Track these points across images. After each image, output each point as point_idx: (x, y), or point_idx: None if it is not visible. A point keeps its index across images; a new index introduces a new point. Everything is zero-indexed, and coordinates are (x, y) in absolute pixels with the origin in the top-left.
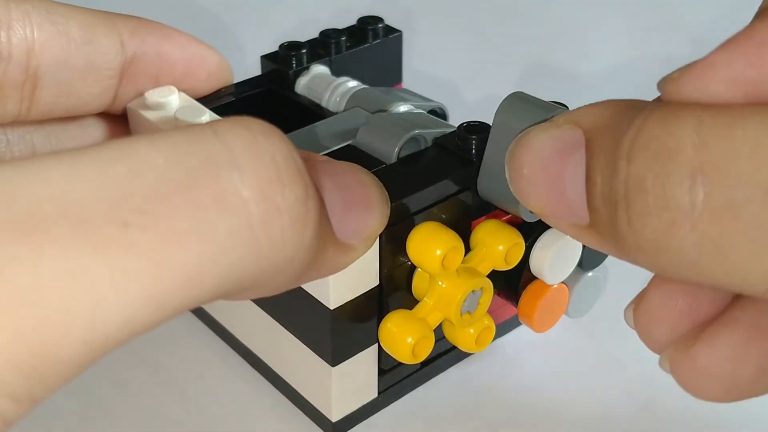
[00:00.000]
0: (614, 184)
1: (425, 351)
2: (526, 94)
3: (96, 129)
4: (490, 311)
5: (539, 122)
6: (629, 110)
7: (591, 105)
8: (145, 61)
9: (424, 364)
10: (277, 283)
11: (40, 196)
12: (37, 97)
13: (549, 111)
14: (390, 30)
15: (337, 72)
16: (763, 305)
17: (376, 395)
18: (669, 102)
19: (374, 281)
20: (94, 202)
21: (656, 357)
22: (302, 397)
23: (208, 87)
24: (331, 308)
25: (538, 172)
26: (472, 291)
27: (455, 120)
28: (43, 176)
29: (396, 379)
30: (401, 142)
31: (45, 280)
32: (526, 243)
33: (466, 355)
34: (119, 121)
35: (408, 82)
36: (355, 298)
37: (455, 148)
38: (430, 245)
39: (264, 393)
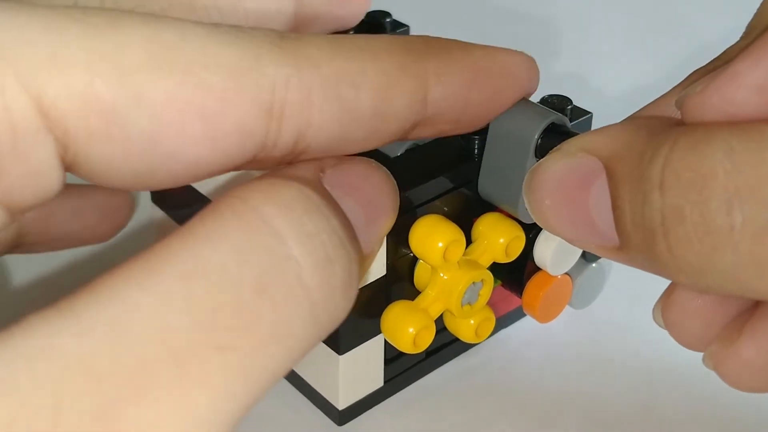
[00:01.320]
0: (648, 212)
1: (426, 341)
2: (526, 99)
3: None
4: (494, 303)
5: (536, 131)
6: (649, 137)
7: (600, 131)
8: (449, 111)
9: (429, 354)
10: (325, 334)
11: (142, 338)
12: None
13: (544, 117)
14: (397, 25)
15: None
16: None
17: (382, 384)
18: (692, 123)
19: (381, 271)
20: (187, 330)
21: (658, 353)
22: (309, 385)
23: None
24: None
25: (562, 202)
26: (473, 283)
27: None
28: (136, 313)
29: (401, 369)
30: (401, 150)
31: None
32: (529, 235)
33: (471, 345)
34: None
35: None
36: (363, 287)
37: (458, 146)
38: (431, 238)
39: None
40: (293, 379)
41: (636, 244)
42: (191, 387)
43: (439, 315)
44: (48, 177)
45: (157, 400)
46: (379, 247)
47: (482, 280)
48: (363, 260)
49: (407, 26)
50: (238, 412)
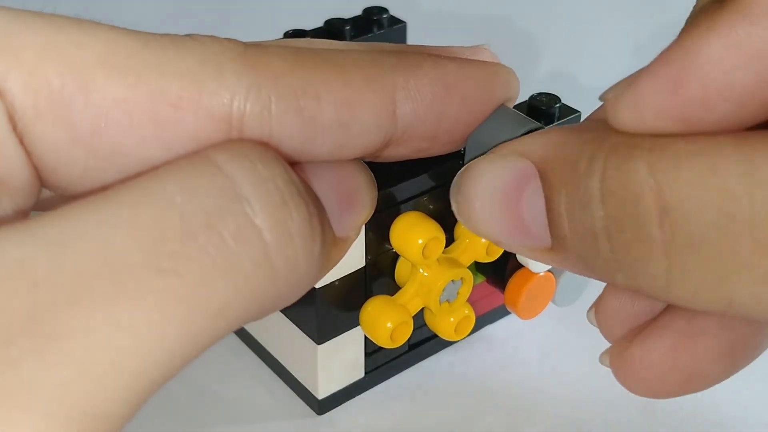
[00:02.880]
0: (589, 220)
1: (403, 336)
2: (506, 107)
3: None
4: (480, 299)
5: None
6: (580, 145)
7: (533, 136)
8: (421, 126)
9: (412, 347)
10: (294, 297)
11: (83, 252)
12: None
13: (522, 125)
14: (394, 20)
15: None
16: (693, 314)
17: (363, 375)
18: (617, 131)
19: (360, 263)
20: (129, 251)
21: None
22: (290, 374)
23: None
24: (317, 287)
25: (493, 203)
26: (452, 281)
27: None
28: (81, 231)
29: (383, 360)
30: None
31: (97, 347)
32: None
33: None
34: None
35: None
36: (341, 278)
37: None
38: (411, 234)
39: (253, 368)
40: (276, 367)
41: (573, 245)
42: (128, 303)
43: (417, 311)
44: (4, 141)
45: (91, 310)
46: (356, 236)
47: (462, 279)
48: (336, 243)
49: (404, 22)
50: (181, 339)
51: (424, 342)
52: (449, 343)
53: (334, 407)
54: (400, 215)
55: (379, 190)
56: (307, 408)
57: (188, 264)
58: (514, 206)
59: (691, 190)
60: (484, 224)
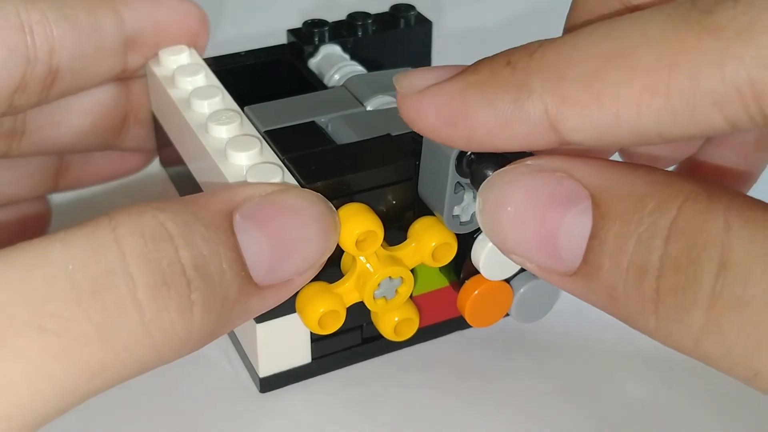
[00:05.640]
0: (646, 256)
1: (333, 324)
2: None
3: (103, 94)
4: (449, 304)
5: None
6: (649, 186)
7: (581, 162)
8: (144, 33)
9: (366, 340)
10: (184, 353)
11: None
12: (55, 86)
13: None
14: (421, 19)
15: (356, 55)
16: None
17: (309, 360)
18: (691, 180)
19: None
20: (16, 306)
21: (658, 356)
22: (241, 348)
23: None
24: None
25: (528, 213)
26: (390, 278)
27: None
28: None
29: (332, 350)
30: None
31: None
32: (473, 235)
33: (419, 340)
34: (126, 83)
35: None
36: None
37: (407, 143)
38: (349, 224)
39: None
40: (235, 340)
41: (608, 278)
42: (7, 356)
43: (353, 303)
44: None
45: None
46: (303, 279)
47: (401, 278)
48: (256, 290)
49: (430, 22)
50: (54, 393)
51: (379, 338)
52: (406, 343)
53: (278, 387)
54: (345, 205)
55: (333, 178)
56: (253, 384)
57: (69, 326)
58: (553, 223)
59: (758, 254)
60: (510, 230)
